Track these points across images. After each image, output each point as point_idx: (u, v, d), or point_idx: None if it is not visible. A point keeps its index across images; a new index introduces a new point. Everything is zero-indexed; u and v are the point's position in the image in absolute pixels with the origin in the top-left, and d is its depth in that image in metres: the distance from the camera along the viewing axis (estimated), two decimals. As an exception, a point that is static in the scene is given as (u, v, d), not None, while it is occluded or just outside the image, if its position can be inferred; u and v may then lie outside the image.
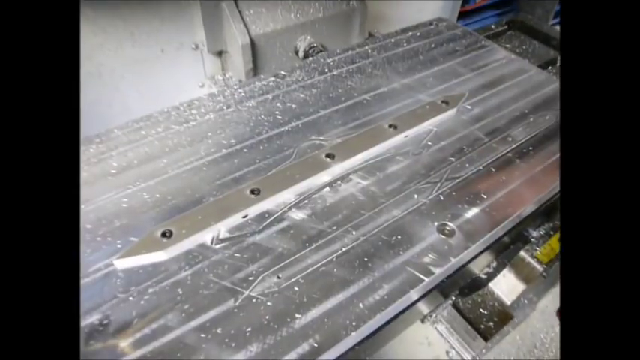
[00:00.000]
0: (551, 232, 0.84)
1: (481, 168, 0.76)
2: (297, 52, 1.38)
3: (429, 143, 0.81)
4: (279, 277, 0.58)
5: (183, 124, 0.81)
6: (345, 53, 1.03)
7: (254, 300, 0.55)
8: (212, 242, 0.62)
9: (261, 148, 0.77)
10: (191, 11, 1.22)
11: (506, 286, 0.80)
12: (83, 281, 0.57)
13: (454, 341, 0.76)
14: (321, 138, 0.80)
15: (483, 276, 0.80)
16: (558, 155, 0.79)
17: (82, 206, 0.66)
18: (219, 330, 0.52)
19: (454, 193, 0.71)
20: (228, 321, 0.53)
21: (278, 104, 0.88)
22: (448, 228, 0.66)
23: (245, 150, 0.77)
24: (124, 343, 0.51)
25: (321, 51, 1.34)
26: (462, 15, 1.99)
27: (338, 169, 0.73)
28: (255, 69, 1.31)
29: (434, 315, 0.77)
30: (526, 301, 0.83)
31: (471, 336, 0.76)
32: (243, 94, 0.90)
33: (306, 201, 0.69)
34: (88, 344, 0.51)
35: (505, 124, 0.86)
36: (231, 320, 0.53)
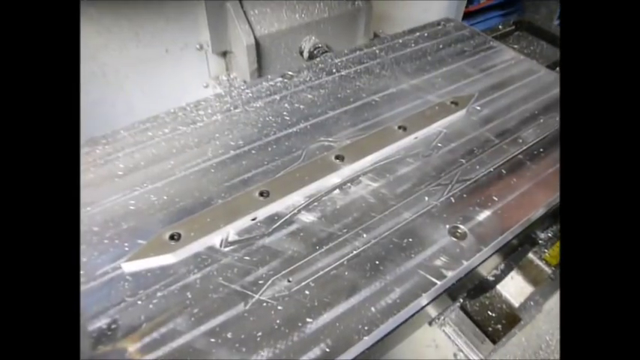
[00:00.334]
0: (560, 234, 0.83)
1: (492, 170, 0.75)
2: (302, 53, 1.37)
3: (439, 145, 0.80)
4: (289, 281, 0.57)
5: (190, 125, 0.81)
6: (353, 54, 1.03)
7: (264, 304, 0.55)
8: (221, 245, 0.61)
9: (269, 149, 0.77)
10: (196, 11, 1.22)
11: (514, 288, 0.80)
12: (90, 285, 0.56)
13: (462, 344, 0.75)
14: (330, 139, 0.79)
15: (491, 278, 0.80)
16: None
17: (89, 208, 0.65)
18: (229, 335, 0.51)
19: (465, 195, 0.70)
20: (239, 325, 0.52)
21: (286, 105, 0.87)
22: (460, 231, 0.65)
23: (253, 151, 0.76)
24: (132, 348, 0.50)
25: (326, 51, 1.33)
26: (467, 15, 1.98)
27: (347, 170, 0.72)
28: (259, 69, 1.31)
29: (442, 318, 0.76)
30: (532, 303, 0.82)
31: (479, 339, 0.75)
32: (250, 94, 0.89)
33: (315, 203, 0.68)
34: (96, 349, 0.50)
35: (515, 125, 0.86)
36: (242, 325, 0.52)
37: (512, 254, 0.79)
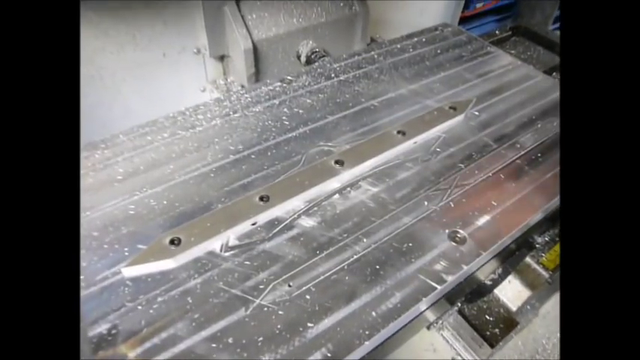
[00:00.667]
0: (557, 239, 0.83)
1: (490, 174, 0.76)
2: (299, 57, 1.37)
3: (438, 149, 0.80)
4: (290, 286, 0.57)
5: (189, 129, 0.80)
6: (352, 58, 1.03)
7: (265, 309, 0.55)
8: (221, 250, 0.61)
9: (269, 154, 0.77)
10: (193, 15, 1.21)
11: (511, 292, 0.80)
12: (90, 290, 0.55)
13: (460, 348, 0.75)
14: (330, 144, 0.79)
15: (489, 282, 0.80)
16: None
17: (88, 213, 0.65)
18: (230, 340, 0.51)
19: (464, 200, 0.71)
20: (240, 330, 0.52)
21: (285, 110, 0.87)
22: (459, 235, 0.65)
23: (253, 156, 0.76)
24: (133, 354, 0.50)
25: (323, 56, 1.33)
26: (462, 20, 2.00)
27: (347, 175, 0.73)
28: (257, 73, 1.31)
29: (440, 322, 0.76)
30: (529, 307, 0.82)
31: (477, 342, 0.75)
32: (249, 99, 0.89)
33: (315, 208, 0.68)
34: (96, 354, 0.49)
35: (513, 130, 0.86)
36: (243, 330, 0.52)
37: (510, 258, 0.80)
